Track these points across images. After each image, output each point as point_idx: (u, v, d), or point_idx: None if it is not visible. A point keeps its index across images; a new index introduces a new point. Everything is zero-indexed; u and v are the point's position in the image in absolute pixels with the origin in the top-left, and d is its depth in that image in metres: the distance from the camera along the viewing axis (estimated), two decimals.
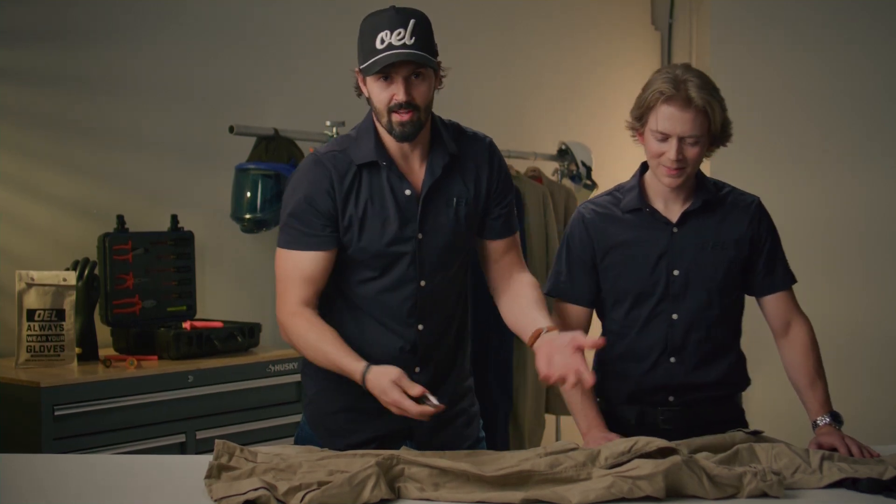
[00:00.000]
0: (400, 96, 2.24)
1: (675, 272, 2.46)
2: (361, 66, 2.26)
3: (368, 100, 2.33)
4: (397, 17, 2.25)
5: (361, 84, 2.32)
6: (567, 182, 5.37)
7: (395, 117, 2.26)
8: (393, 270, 2.35)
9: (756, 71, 4.45)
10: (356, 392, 2.30)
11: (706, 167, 4.49)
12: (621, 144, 6.02)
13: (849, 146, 4.23)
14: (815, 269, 4.24)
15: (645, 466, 1.93)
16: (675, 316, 2.47)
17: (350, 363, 2.24)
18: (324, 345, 2.27)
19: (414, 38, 2.24)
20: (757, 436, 2.28)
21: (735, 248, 2.49)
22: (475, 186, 2.39)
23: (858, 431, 4.10)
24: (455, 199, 2.37)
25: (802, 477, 2.08)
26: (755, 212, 2.53)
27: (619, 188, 2.57)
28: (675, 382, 2.48)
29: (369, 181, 2.33)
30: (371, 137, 2.34)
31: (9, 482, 2.10)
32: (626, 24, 6.32)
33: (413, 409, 2.14)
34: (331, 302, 2.42)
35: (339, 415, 2.42)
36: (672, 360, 2.47)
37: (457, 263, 2.41)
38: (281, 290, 2.35)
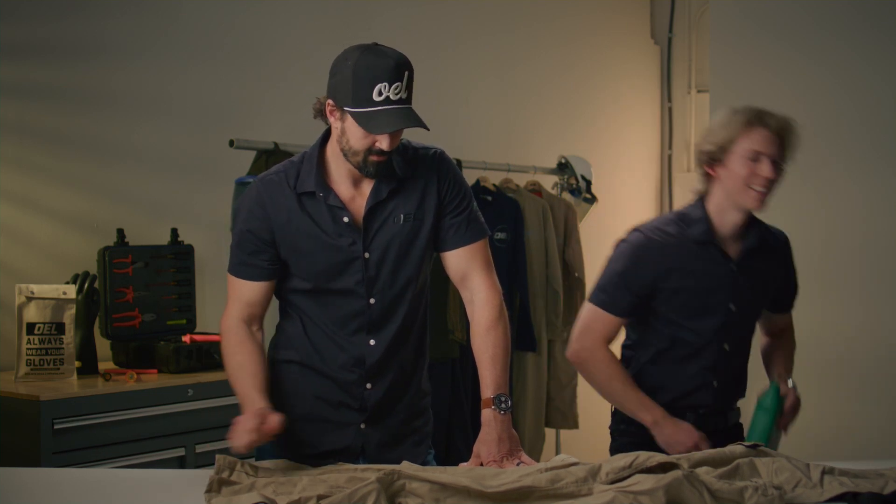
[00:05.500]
0: (385, 146, 2.25)
1: (732, 306, 2.61)
2: (353, 111, 2.23)
3: (334, 132, 2.33)
4: (396, 71, 2.21)
5: (332, 115, 2.30)
6: (567, 196, 5.38)
7: (373, 159, 2.28)
8: (342, 289, 2.37)
9: (756, 85, 4.46)
10: (311, 402, 2.41)
11: None
12: (620, 158, 6.06)
13: (850, 158, 4.23)
14: (810, 281, 4.24)
15: (646, 481, 1.93)
16: (726, 346, 2.63)
17: (254, 396, 2.29)
18: (241, 371, 2.35)
19: (407, 91, 2.25)
20: (757, 449, 2.28)
21: (774, 284, 2.71)
22: (421, 200, 2.39)
23: (850, 444, 4.11)
24: (402, 217, 2.37)
25: (803, 491, 2.07)
26: (787, 250, 2.77)
27: (681, 217, 2.65)
28: (710, 400, 2.66)
29: (310, 207, 2.36)
30: (313, 168, 2.36)
31: (8, 496, 2.10)
32: (625, 39, 6.34)
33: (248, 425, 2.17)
34: (286, 312, 2.48)
35: (295, 424, 2.42)
36: (715, 384, 2.65)
37: (410, 280, 2.41)
38: (227, 304, 2.44)
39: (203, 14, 4.13)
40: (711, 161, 2.59)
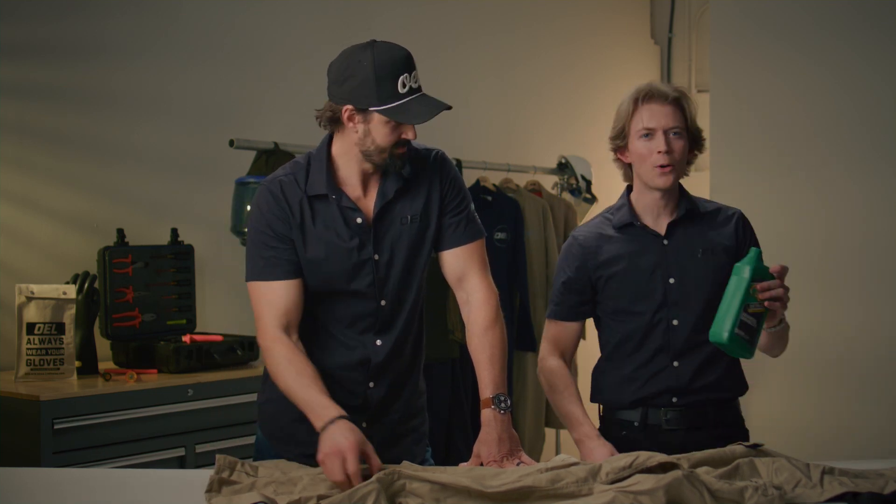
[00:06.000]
0: (412, 135, 2.29)
1: (671, 280, 2.55)
2: (383, 109, 2.23)
3: (351, 136, 2.31)
4: (410, 60, 2.27)
5: (352, 120, 2.29)
6: (567, 196, 5.39)
7: (399, 151, 2.30)
8: (354, 292, 2.37)
9: (756, 85, 4.46)
10: None
11: (705, 178, 4.52)
12: None
13: (850, 158, 4.23)
14: (810, 281, 4.24)
15: (646, 481, 1.93)
16: (675, 322, 2.54)
17: (328, 409, 2.18)
18: (303, 377, 2.24)
19: (419, 76, 2.29)
20: (757, 449, 2.28)
21: (724, 255, 2.58)
22: (426, 201, 2.40)
23: (850, 444, 4.10)
24: (409, 217, 2.38)
25: (803, 491, 2.07)
26: (738, 223, 2.63)
27: (608, 210, 2.69)
28: (678, 385, 2.55)
29: (322, 210, 2.35)
30: (323, 169, 2.35)
31: (8, 496, 2.10)
32: (625, 39, 6.34)
33: (353, 473, 2.05)
34: None
35: (295, 424, 2.40)
36: (675, 363, 2.55)
37: (416, 280, 2.42)
38: (257, 318, 2.35)
39: (203, 14, 4.13)
40: (618, 148, 2.60)
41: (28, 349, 3.30)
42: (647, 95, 2.51)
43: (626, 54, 6.31)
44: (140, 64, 3.92)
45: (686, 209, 2.58)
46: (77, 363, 3.41)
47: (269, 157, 3.99)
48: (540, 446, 4.99)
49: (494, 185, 4.84)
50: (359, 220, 2.35)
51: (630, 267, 2.56)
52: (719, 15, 4.60)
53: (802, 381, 4.28)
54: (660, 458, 2.06)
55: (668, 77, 6.51)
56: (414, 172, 2.40)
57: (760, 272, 2.36)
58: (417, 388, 2.52)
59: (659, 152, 2.49)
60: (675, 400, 2.55)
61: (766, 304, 2.36)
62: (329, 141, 2.39)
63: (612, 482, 1.99)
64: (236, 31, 4.24)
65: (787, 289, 2.37)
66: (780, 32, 4.41)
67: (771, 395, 4.30)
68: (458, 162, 4.65)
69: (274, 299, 2.32)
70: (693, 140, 2.56)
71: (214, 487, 2.07)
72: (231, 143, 3.96)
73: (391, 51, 2.26)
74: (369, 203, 2.37)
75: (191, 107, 4.08)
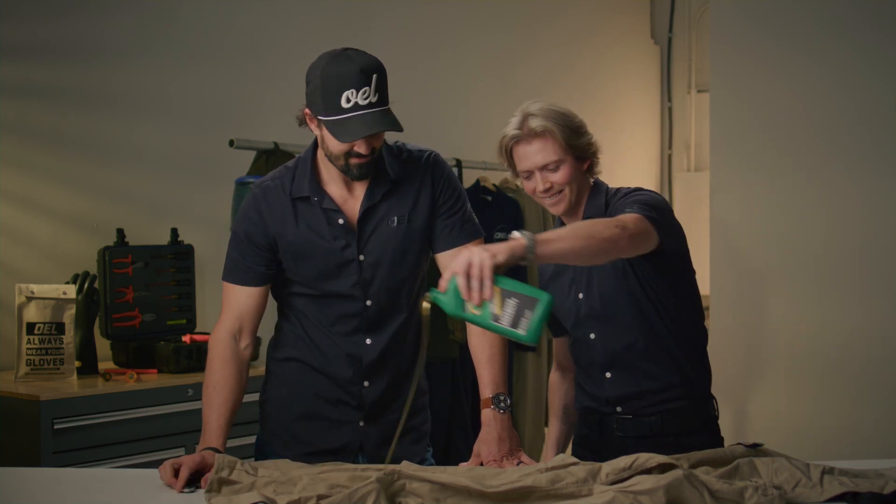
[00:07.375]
0: (363, 150, 2.27)
1: (580, 296, 2.52)
2: (325, 120, 2.24)
3: (319, 139, 2.35)
4: (361, 76, 2.21)
5: (311, 123, 2.33)
6: None
7: (354, 161, 2.29)
8: (338, 292, 2.39)
9: (756, 85, 4.45)
10: (310, 399, 2.43)
11: (705, 178, 4.51)
12: (619, 157, 6.06)
13: (850, 158, 4.22)
14: (810, 281, 4.24)
15: (646, 482, 1.92)
16: (592, 335, 2.52)
17: (208, 434, 2.33)
18: (214, 395, 2.39)
19: (378, 93, 2.23)
20: (757, 449, 2.28)
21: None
22: (415, 202, 2.40)
23: (849, 444, 4.10)
24: (396, 219, 2.39)
25: (803, 491, 2.07)
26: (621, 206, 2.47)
27: None
28: (617, 395, 2.51)
29: (305, 212, 2.37)
30: (307, 171, 2.38)
31: (8, 496, 2.10)
32: (625, 39, 6.34)
33: (172, 483, 2.15)
34: (284, 312, 2.50)
35: (295, 423, 2.45)
36: (608, 374, 2.52)
37: (406, 281, 2.43)
38: (220, 315, 2.43)
39: (203, 14, 4.13)
40: (516, 175, 2.52)
41: (28, 349, 3.30)
42: (512, 140, 2.42)
43: (626, 54, 6.31)
44: (140, 64, 3.93)
45: (585, 216, 2.49)
46: (77, 363, 3.41)
47: (269, 157, 3.99)
48: (540, 446, 4.99)
49: (494, 185, 4.83)
50: (341, 222, 2.36)
51: (556, 287, 2.57)
52: (719, 15, 4.60)
53: (802, 381, 4.28)
54: (660, 458, 2.06)
55: (668, 77, 6.52)
56: (405, 174, 2.40)
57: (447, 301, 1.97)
58: (418, 388, 2.52)
59: (542, 190, 2.43)
60: (619, 409, 2.51)
61: (470, 296, 1.94)
62: (315, 145, 2.41)
63: (613, 482, 1.99)
64: (236, 31, 4.24)
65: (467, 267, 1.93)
66: (780, 32, 4.41)
67: (771, 395, 4.30)
68: (458, 162, 4.65)
69: (233, 301, 2.41)
70: (578, 157, 2.46)
71: (214, 487, 2.08)
72: (231, 143, 3.96)
73: (344, 64, 2.22)
74: (356, 204, 2.38)
75: (191, 107, 4.08)
